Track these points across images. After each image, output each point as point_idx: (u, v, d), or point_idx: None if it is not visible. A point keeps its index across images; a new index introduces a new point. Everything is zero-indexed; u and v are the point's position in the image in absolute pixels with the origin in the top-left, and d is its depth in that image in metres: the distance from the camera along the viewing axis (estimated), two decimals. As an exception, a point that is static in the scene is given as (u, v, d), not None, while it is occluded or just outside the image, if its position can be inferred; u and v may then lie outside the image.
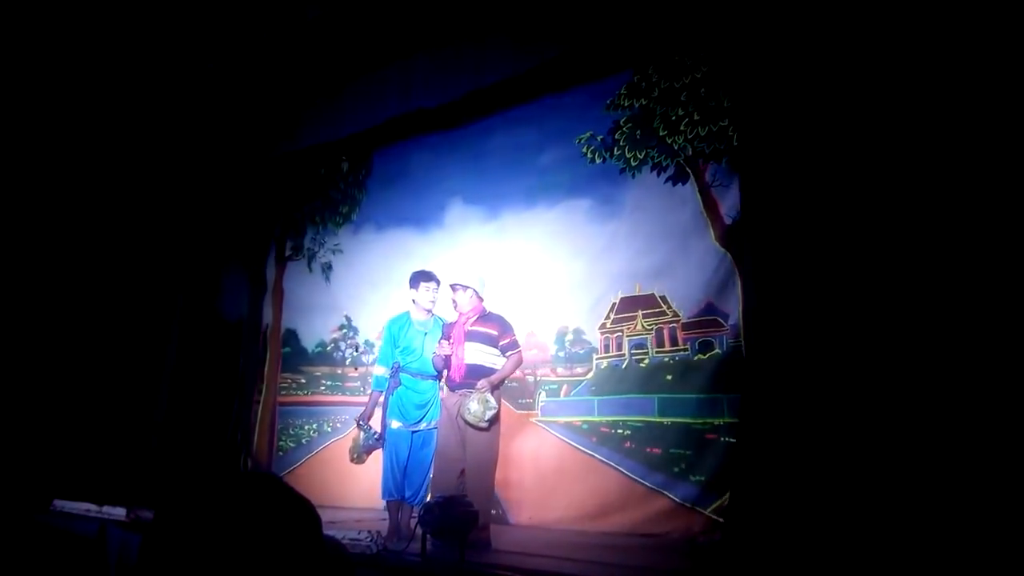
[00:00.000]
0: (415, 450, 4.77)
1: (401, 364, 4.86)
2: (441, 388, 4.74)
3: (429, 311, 4.93)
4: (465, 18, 5.45)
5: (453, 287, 4.61)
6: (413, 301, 4.92)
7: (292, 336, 7.36)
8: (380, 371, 4.98)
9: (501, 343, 4.48)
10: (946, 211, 3.32)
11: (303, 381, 7.17)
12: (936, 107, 3.44)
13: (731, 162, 4.86)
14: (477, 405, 4.24)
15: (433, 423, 4.74)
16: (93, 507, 5.03)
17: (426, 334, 4.87)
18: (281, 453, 7.12)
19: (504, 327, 4.53)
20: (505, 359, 4.49)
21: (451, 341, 4.49)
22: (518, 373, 5.62)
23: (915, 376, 3.30)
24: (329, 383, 6.97)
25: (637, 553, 4.28)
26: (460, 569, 3.55)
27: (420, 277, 4.91)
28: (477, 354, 4.45)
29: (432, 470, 4.57)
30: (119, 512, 4.84)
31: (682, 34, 5.07)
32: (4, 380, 6.20)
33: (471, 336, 4.47)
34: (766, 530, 3.53)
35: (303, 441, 7.00)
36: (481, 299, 4.61)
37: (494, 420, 4.33)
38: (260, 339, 7.53)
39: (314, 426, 6.89)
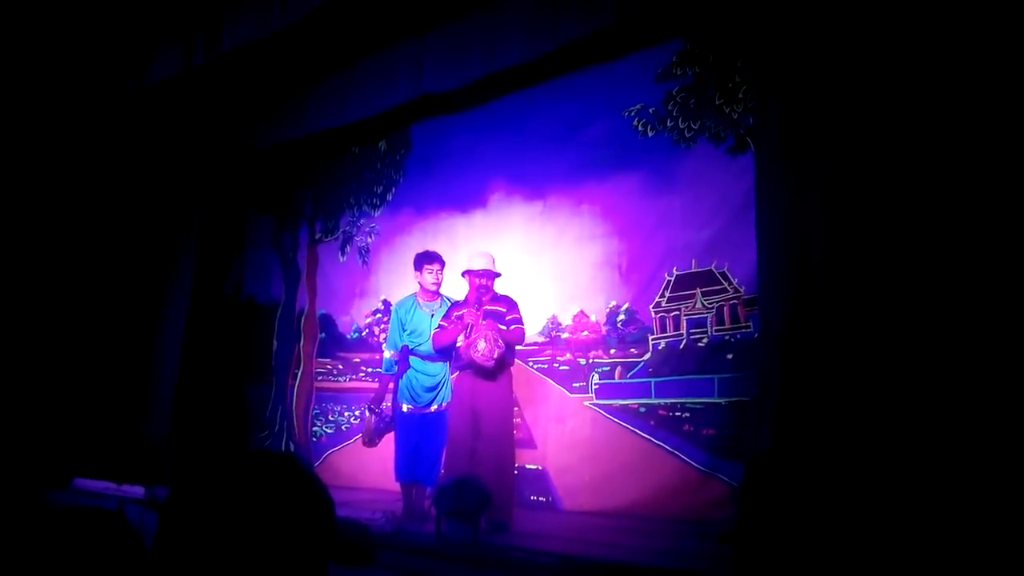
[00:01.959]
0: (427, 432, 4.80)
1: (409, 347, 4.88)
2: (453, 372, 4.78)
3: (435, 292, 4.95)
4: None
5: (474, 273, 4.63)
6: (419, 283, 4.95)
7: (329, 321, 7.23)
8: (389, 355, 5.02)
9: (507, 318, 4.59)
10: (964, 197, 3.33)
11: (341, 367, 7.03)
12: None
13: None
14: (485, 343, 4.34)
15: (444, 404, 4.79)
16: (112, 485, 5.10)
17: (432, 315, 4.88)
18: (315, 439, 7.01)
19: (511, 305, 4.66)
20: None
21: (466, 322, 4.54)
22: (568, 355, 5.50)
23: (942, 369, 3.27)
24: (369, 369, 6.82)
25: (660, 537, 4.27)
26: (474, 549, 3.63)
27: (424, 259, 4.93)
28: None
29: (445, 451, 4.60)
30: (137, 491, 4.91)
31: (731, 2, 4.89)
32: (27, 360, 6.21)
33: (485, 316, 4.54)
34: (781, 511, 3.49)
35: (342, 427, 6.87)
36: (493, 280, 4.70)
37: (502, 364, 4.46)
38: (294, 322, 7.42)
39: (355, 412, 6.74)
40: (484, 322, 4.45)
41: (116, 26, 6.19)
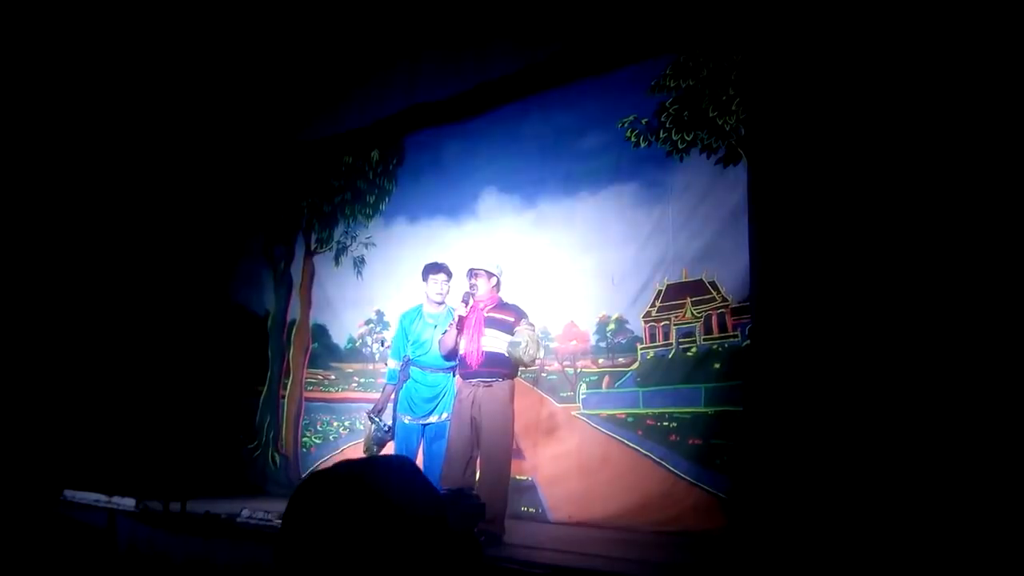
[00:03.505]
0: (428, 443, 4.77)
1: (411, 357, 4.86)
2: (456, 377, 4.71)
3: (440, 303, 4.91)
4: None
5: (471, 272, 4.58)
6: (425, 294, 4.92)
7: (322, 332, 7.21)
8: (392, 364, 5.01)
9: (516, 329, 4.44)
10: (957, 208, 3.30)
11: (333, 378, 7.01)
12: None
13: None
14: (534, 345, 4.33)
15: (445, 415, 4.70)
16: (103, 497, 5.05)
17: (436, 326, 4.83)
18: (305, 450, 6.98)
19: (520, 315, 4.51)
20: None
21: (468, 328, 4.46)
22: (555, 365, 5.47)
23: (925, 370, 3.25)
24: (361, 380, 6.80)
25: (656, 549, 4.22)
26: None
27: (430, 269, 4.91)
28: (494, 341, 4.40)
29: (443, 461, 4.50)
30: (128, 502, 4.87)
31: (723, 15, 4.91)
32: (16, 371, 6.17)
33: (489, 323, 4.43)
34: (773, 521, 3.49)
35: (331, 438, 6.84)
36: (498, 287, 4.61)
37: (515, 370, 4.47)
38: (284, 332, 7.40)
39: (345, 423, 6.72)
40: (486, 331, 4.41)
41: (119, 35, 6.25)
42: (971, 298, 3.23)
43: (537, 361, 4.37)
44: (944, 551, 2.97)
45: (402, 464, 1.07)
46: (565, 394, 5.42)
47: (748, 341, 4.59)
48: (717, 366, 4.73)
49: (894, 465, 3.24)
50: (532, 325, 4.47)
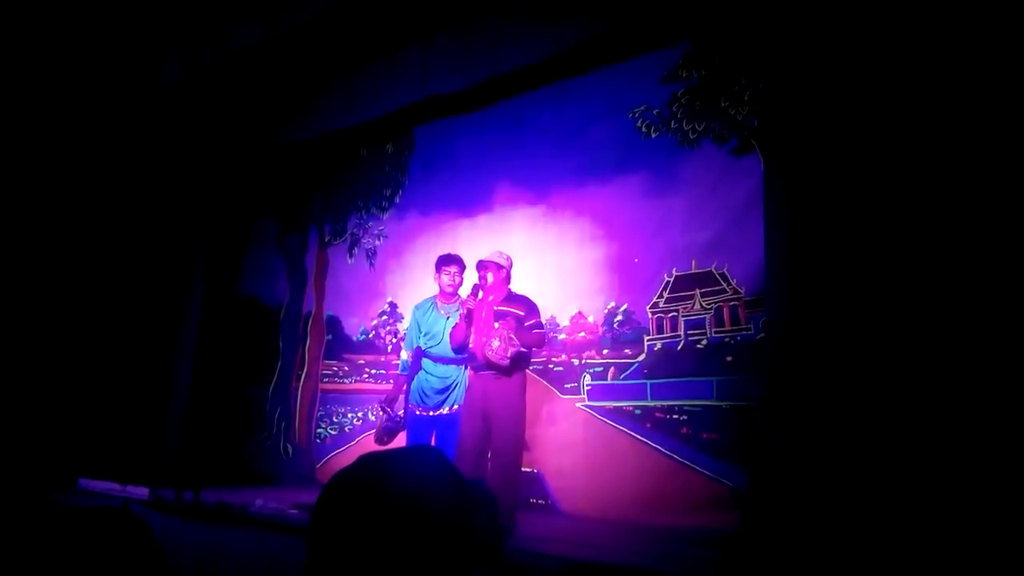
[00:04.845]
0: (440, 434, 4.78)
1: (423, 349, 4.88)
2: (467, 369, 4.72)
3: (453, 295, 4.92)
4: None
5: (481, 264, 4.59)
6: (438, 286, 4.97)
7: (335, 323, 7.23)
8: (405, 356, 5.03)
9: (526, 324, 4.44)
10: (976, 200, 3.24)
11: (347, 369, 7.03)
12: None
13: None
14: (499, 342, 4.24)
15: (457, 407, 4.73)
16: (116, 486, 5.10)
17: (448, 318, 4.85)
18: (319, 440, 7.01)
19: (530, 308, 4.52)
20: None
21: (477, 321, 4.45)
22: (563, 356, 5.47)
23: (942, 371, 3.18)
24: (373, 371, 6.82)
25: (670, 543, 4.15)
26: None
27: (442, 261, 4.96)
28: None
29: (454, 453, 4.49)
30: (141, 492, 4.90)
31: (737, 3, 4.87)
32: (30, 360, 6.24)
33: (497, 316, 4.42)
34: (789, 517, 3.43)
35: (346, 429, 6.86)
36: (508, 279, 4.61)
37: (517, 362, 4.34)
38: (300, 324, 7.43)
39: (358, 414, 6.74)
40: (498, 323, 4.36)
41: (125, 31, 6.27)
42: (991, 293, 3.18)
43: (509, 357, 4.28)
44: (965, 549, 2.94)
45: (427, 455, 1.06)
46: (570, 385, 5.40)
47: (763, 334, 4.55)
48: (729, 359, 4.68)
49: (914, 461, 3.21)
50: (509, 329, 4.36)
